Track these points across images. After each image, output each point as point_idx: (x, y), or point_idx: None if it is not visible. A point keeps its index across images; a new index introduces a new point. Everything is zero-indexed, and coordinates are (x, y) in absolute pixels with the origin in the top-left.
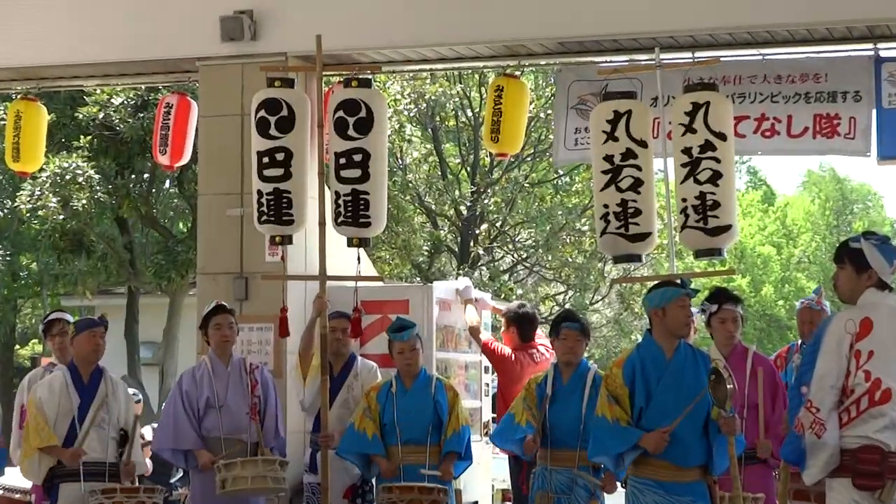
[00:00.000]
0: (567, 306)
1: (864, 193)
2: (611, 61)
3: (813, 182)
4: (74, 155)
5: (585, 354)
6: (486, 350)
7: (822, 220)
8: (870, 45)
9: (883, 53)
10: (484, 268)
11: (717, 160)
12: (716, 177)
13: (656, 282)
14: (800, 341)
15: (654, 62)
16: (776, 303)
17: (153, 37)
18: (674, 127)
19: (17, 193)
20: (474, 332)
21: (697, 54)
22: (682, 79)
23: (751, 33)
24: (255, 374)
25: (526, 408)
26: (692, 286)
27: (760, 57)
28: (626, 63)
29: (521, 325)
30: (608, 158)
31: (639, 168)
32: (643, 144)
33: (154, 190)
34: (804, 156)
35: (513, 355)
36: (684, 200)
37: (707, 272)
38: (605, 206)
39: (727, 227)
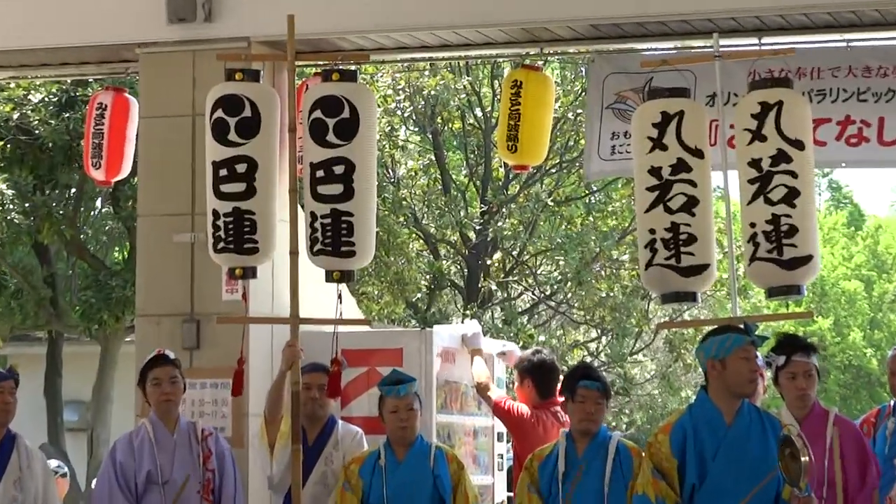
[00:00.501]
0: (602, 356)
1: None
2: (657, 49)
3: None
4: None
5: (626, 418)
6: (499, 411)
7: None
8: None
9: None
10: (497, 308)
11: (794, 174)
12: (792, 195)
13: (714, 327)
14: (893, 402)
15: (711, 51)
16: (865, 351)
17: (81, 17)
18: (738, 133)
19: None
20: (482, 390)
21: (765, 40)
22: (746, 72)
23: (832, 13)
24: (208, 443)
25: (532, 493)
26: (759, 332)
27: (844, 43)
28: (677, 52)
29: (540, 376)
30: (655, 171)
31: (693, 184)
32: (699, 154)
33: (82, 210)
34: None
35: (532, 415)
36: (752, 225)
37: (780, 315)
38: (651, 231)
39: (807, 259)
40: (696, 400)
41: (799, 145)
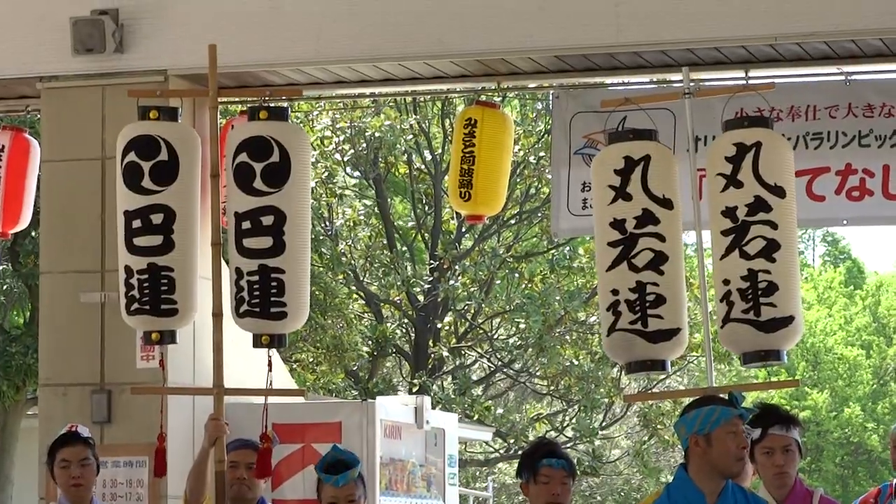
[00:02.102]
0: (568, 431)
1: None
2: (629, 83)
3: None
4: None
5: (598, 499)
6: None
7: None
8: None
9: None
10: (449, 377)
11: (773, 225)
12: (771, 248)
13: (693, 398)
14: (895, 481)
15: (681, 86)
16: (865, 427)
17: None
18: (710, 178)
19: None
20: None
21: (752, 73)
22: (733, 111)
23: (829, 43)
24: None
25: None
26: (745, 403)
27: (843, 77)
28: (650, 87)
29: None
30: (618, 224)
31: (661, 238)
32: (667, 204)
33: None
34: None
35: None
36: (726, 282)
37: (763, 384)
38: (614, 291)
39: (788, 320)
40: (675, 480)
41: (779, 192)
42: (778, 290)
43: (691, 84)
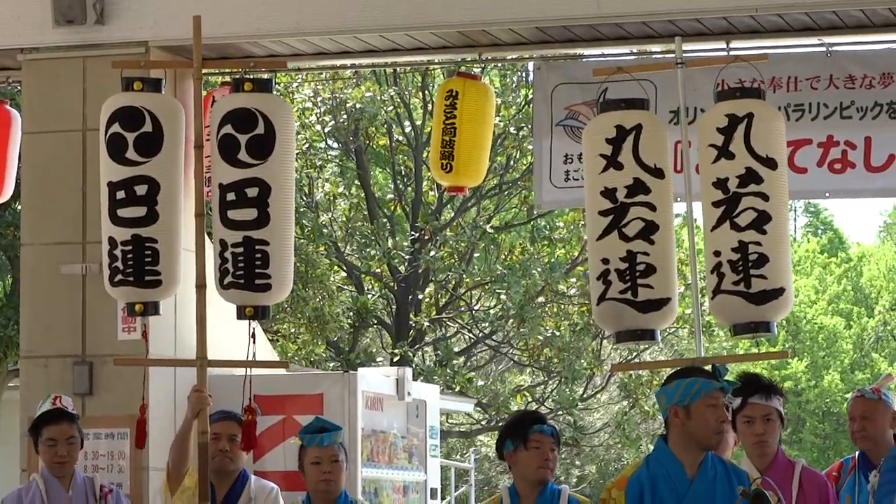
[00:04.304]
0: (548, 403)
1: None
2: (610, 55)
3: None
4: None
5: (577, 472)
6: None
7: None
8: None
9: None
10: (429, 348)
11: (765, 197)
12: (762, 220)
13: (676, 368)
14: (858, 454)
15: (673, 57)
16: (845, 397)
17: None
18: (701, 149)
19: None
20: None
21: (733, 45)
22: (714, 83)
23: (810, 14)
24: (107, 501)
25: None
26: (729, 376)
27: (824, 48)
28: (635, 58)
29: None
30: (608, 193)
31: (652, 207)
32: (658, 174)
33: None
34: (891, 197)
35: None
36: (717, 254)
37: (750, 355)
38: (605, 260)
39: (779, 292)
40: (655, 451)
41: (771, 164)
42: (768, 261)
43: (684, 55)
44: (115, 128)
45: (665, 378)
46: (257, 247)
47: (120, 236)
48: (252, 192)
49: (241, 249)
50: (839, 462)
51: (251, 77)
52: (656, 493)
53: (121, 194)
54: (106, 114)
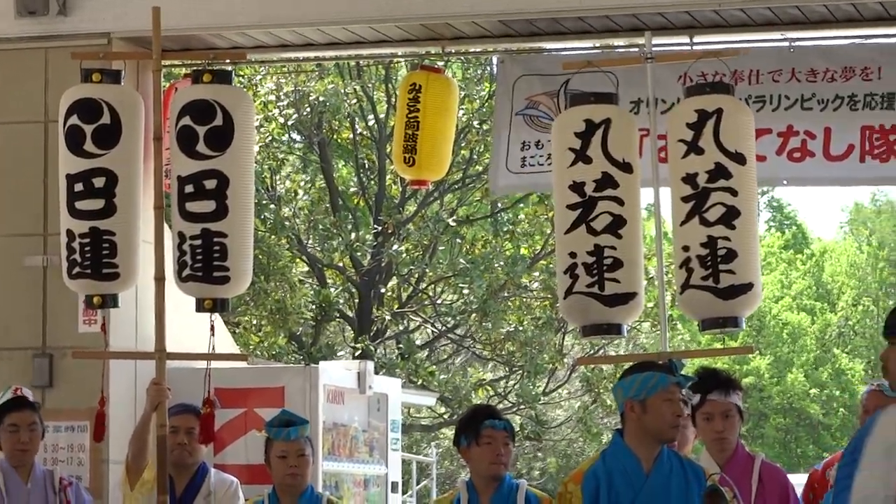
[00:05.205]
0: (511, 397)
1: None
2: (574, 49)
3: (862, 221)
4: None
5: (539, 465)
6: None
7: (873, 276)
8: None
9: None
10: (392, 342)
11: (733, 192)
12: (731, 215)
13: (633, 363)
14: None
15: (640, 51)
16: (807, 393)
17: None
18: (671, 144)
19: None
20: None
21: (697, 39)
22: (676, 76)
23: (773, 9)
24: (67, 494)
25: None
26: (685, 371)
27: (787, 43)
28: (600, 52)
29: None
30: (577, 187)
31: (620, 202)
32: (627, 168)
33: None
34: (848, 186)
35: None
36: (686, 249)
37: (714, 350)
38: (572, 254)
39: (747, 287)
40: (611, 445)
41: (740, 159)
42: (737, 257)
43: (653, 49)
44: (74, 120)
45: (622, 372)
46: (216, 239)
47: (78, 229)
48: (210, 184)
49: (199, 242)
50: (840, 453)
51: (211, 68)
52: (612, 488)
53: (79, 186)
54: (64, 105)
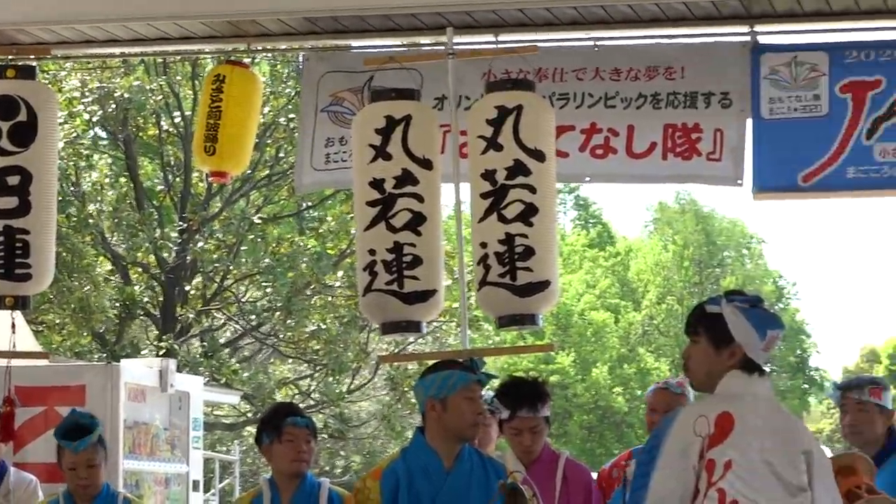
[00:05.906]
0: (315, 395)
1: (737, 237)
2: (380, 47)
3: (666, 220)
4: None
5: (342, 462)
6: None
7: (678, 274)
8: (744, 28)
9: (763, 39)
10: (196, 340)
11: (532, 189)
12: (529, 212)
13: (434, 362)
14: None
15: (444, 48)
16: (612, 390)
17: None
18: (471, 140)
19: None
20: None
21: (502, 37)
22: (480, 73)
23: (578, 9)
24: None
25: None
26: (486, 369)
27: (592, 43)
28: (406, 49)
29: None
30: (377, 184)
31: (420, 198)
32: (427, 165)
33: None
34: (651, 183)
35: None
36: (484, 245)
37: (516, 348)
38: (372, 251)
39: (544, 285)
40: (412, 443)
41: (539, 156)
42: (535, 254)
43: (455, 46)
44: None
45: (422, 371)
46: (18, 236)
47: None
48: (13, 180)
49: (1, 238)
50: (628, 451)
51: (14, 64)
52: (413, 485)
53: None
54: None
